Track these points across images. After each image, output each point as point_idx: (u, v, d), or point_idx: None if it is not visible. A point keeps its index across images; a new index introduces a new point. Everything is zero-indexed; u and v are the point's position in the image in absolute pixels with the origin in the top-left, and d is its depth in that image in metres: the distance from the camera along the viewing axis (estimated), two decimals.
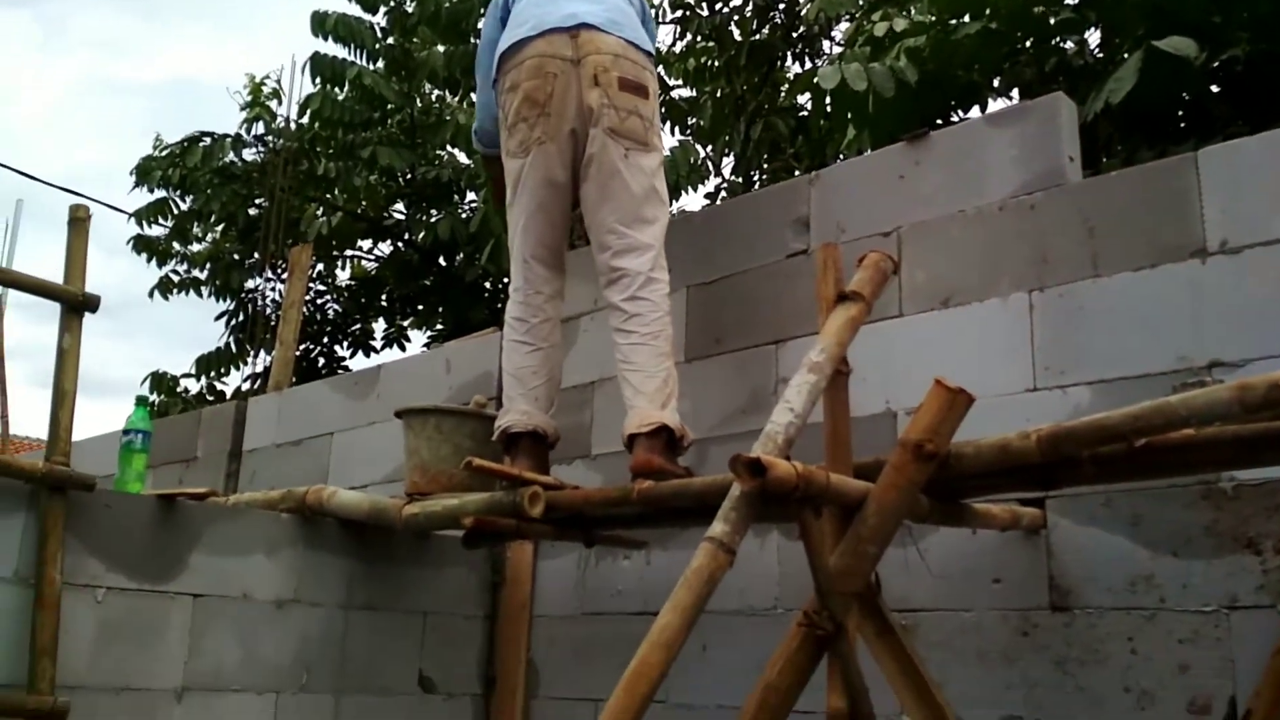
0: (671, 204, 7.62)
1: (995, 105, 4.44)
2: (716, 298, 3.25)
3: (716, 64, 7.82)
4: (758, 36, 7.44)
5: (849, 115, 4.19)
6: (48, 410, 2.65)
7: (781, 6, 7.72)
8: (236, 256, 8.63)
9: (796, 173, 7.61)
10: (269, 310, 7.14)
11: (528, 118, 2.85)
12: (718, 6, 7.56)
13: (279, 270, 6.83)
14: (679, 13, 8.16)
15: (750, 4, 7.59)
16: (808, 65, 7.82)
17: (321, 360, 8.91)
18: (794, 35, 7.71)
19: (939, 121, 4.39)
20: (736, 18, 7.65)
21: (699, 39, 7.61)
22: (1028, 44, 4.03)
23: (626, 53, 2.84)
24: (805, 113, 7.40)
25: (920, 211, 2.81)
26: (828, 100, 4.45)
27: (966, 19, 4.26)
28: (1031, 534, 2.40)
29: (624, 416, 3.21)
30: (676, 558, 3.08)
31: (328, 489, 3.02)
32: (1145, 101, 3.23)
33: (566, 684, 3.29)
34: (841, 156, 4.73)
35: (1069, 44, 3.99)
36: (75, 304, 2.75)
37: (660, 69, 7.39)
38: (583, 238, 3.45)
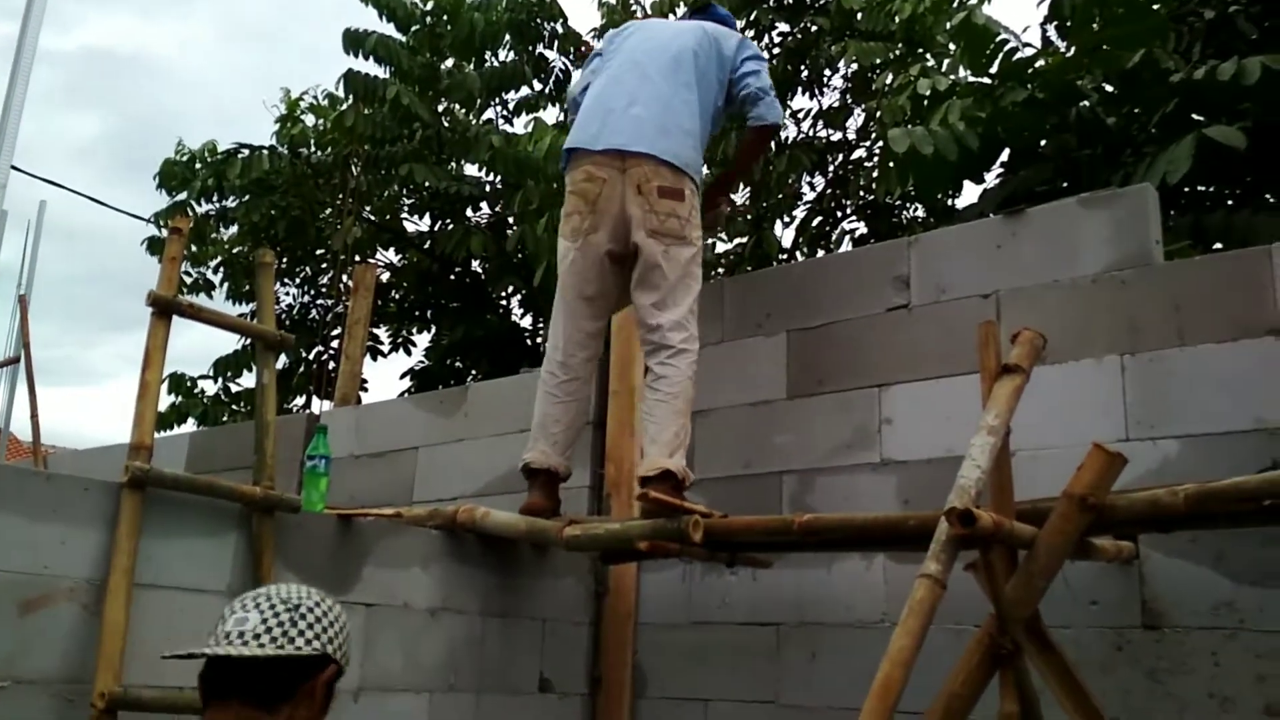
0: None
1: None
2: (818, 342, 3.64)
3: None
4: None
5: (908, 169, 4.61)
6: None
7: (789, 43, 8.14)
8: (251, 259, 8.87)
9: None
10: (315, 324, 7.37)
11: (580, 210, 3.42)
12: None
13: (322, 285, 7.08)
14: None
15: (766, 38, 8.02)
16: (814, 99, 8.28)
17: (332, 363, 9.17)
18: (803, 69, 8.15)
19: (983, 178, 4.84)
20: None
21: None
22: (1070, 113, 4.47)
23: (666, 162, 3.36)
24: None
25: (1017, 278, 3.23)
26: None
27: (1010, 85, 4.71)
28: (1125, 564, 2.83)
29: (724, 445, 3.73)
30: (782, 575, 3.47)
31: (479, 509, 3.35)
32: (1193, 180, 3.68)
33: (675, 686, 3.66)
34: (889, 199, 5.15)
35: (1109, 118, 4.44)
36: (271, 343, 3.06)
37: None
38: None
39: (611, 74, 3.59)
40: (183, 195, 8.49)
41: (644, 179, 3.33)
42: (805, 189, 8.32)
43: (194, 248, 8.91)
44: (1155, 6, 4.63)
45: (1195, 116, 4.19)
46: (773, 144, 7.71)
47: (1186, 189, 4.24)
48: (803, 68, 7.97)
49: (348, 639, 1.84)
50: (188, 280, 9.16)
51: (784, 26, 8.09)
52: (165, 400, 9.06)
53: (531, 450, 3.48)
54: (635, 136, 3.37)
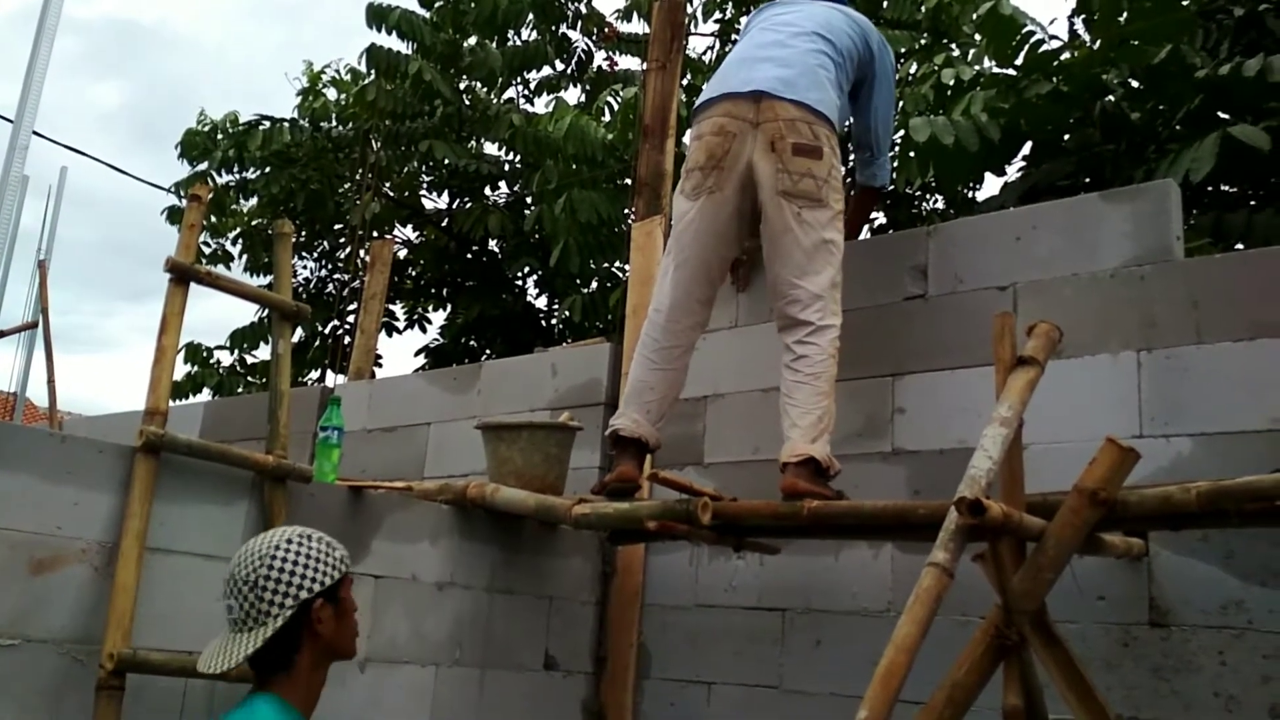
0: None
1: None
2: None
3: None
4: None
5: (929, 159, 4.58)
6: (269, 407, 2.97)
7: None
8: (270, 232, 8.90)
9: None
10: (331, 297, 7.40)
11: (704, 167, 3.19)
12: None
13: (339, 259, 7.09)
14: (716, 25, 8.53)
15: None
16: None
17: (347, 338, 9.21)
18: None
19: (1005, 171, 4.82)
20: None
21: None
22: (1095, 107, 4.44)
23: (804, 116, 3.11)
24: None
25: (1035, 271, 3.21)
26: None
27: (1035, 77, 4.67)
28: (1134, 560, 2.82)
29: (734, 430, 3.71)
30: (789, 561, 3.47)
31: (490, 485, 3.36)
32: (1216, 179, 3.65)
33: (678, 668, 3.67)
34: (909, 189, 5.12)
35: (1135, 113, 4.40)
36: (287, 312, 3.07)
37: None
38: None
39: (745, 42, 3.45)
40: (204, 165, 8.53)
41: (778, 134, 3.09)
42: None
43: (213, 219, 8.95)
44: (1184, 2, 4.58)
45: (1221, 114, 4.16)
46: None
47: (1210, 188, 4.21)
48: None
49: (323, 561, 2.15)
50: (206, 251, 9.20)
51: None
52: (181, 370, 9.13)
53: (621, 417, 3.28)
54: (773, 83, 3.15)
